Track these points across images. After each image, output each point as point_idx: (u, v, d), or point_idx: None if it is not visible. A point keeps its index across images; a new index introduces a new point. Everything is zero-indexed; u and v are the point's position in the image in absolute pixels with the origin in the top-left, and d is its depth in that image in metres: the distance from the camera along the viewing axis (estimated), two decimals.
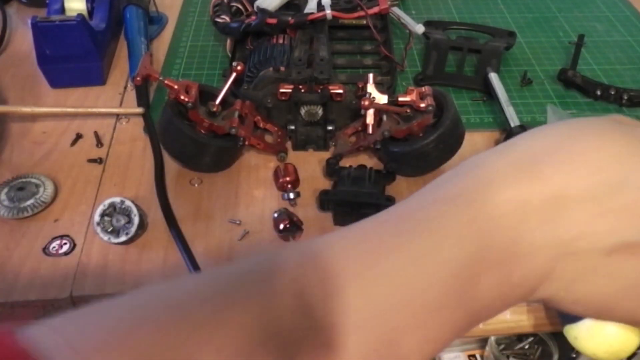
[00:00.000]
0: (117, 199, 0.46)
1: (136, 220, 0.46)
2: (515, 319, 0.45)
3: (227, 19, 0.64)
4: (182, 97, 0.49)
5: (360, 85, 0.54)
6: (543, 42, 0.72)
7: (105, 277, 0.44)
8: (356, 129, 0.55)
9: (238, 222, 0.49)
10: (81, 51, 0.60)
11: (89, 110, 0.59)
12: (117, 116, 0.59)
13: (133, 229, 0.46)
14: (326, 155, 0.54)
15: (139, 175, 0.53)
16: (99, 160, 0.54)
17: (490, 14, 0.77)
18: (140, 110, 0.58)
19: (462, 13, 0.77)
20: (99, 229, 0.45)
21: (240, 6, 0.67)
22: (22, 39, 0.71)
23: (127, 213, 0.46)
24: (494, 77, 0.61)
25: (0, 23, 0.71)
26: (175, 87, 0.49)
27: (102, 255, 0.46)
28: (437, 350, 0.29)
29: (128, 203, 0.46)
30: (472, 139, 0.57)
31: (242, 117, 0.52)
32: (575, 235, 0.28)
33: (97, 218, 0.46)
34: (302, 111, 0.54)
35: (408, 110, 0.50)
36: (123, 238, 0.46)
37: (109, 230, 0.46)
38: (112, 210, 0.46)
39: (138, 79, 0.50)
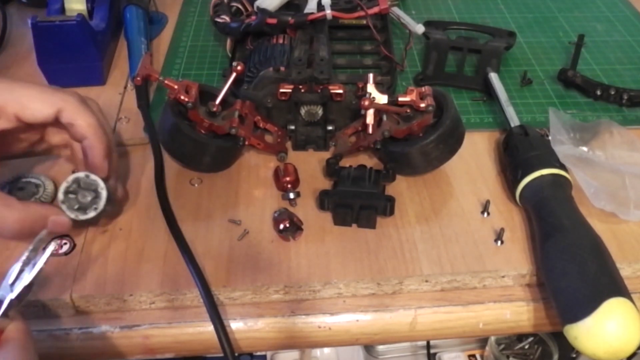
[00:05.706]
0: (81, 174, 0.43)
1: (104, 193, 0.43)
2: (515, 319, 0.45)
3: (227, 19, 0.64)
4: (182, 97, 0.49)
5: (360, 85, 0.54)
6: (543, 42, 0.72)
7: (105, 277, 0.44)
8: (356, 129, 0.55)
9: (238, 222, 0.49)
10: (81, 51, 0.60)
11: None
12: (117, 116, 0.59)
13: (102, 204, 0.43)
14: (326, 155, 0.54)
15: (139, 175, 0.53)
16: None
17: (490, 14, 0.77)
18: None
19: (462, 13, 0.77)
20: (64, 207, 0.43)
21: (240, 6, 0.67)
22: (22, 39, 0.71)
23: (93, 188, 0.44)
24: (494, 77, 0.61)
25: (0, 23, 0.71)
26: (175, 87, 0.49)
27: (102, 255, 0.46)
28: None
29: (93, 177, 0.43)
30: (472, 139, 0.57)
31: (242, 117, 0.52)
32: None
33: (61, 196, 0.43)
34: (302, 111, 0.54)
35: (408, 110, 0.51)
36: (92, 214, 0.43)
37: (76, 207, 0.43)
38: (76, 187, 0.44)
39: (138, 79, 0.50)
